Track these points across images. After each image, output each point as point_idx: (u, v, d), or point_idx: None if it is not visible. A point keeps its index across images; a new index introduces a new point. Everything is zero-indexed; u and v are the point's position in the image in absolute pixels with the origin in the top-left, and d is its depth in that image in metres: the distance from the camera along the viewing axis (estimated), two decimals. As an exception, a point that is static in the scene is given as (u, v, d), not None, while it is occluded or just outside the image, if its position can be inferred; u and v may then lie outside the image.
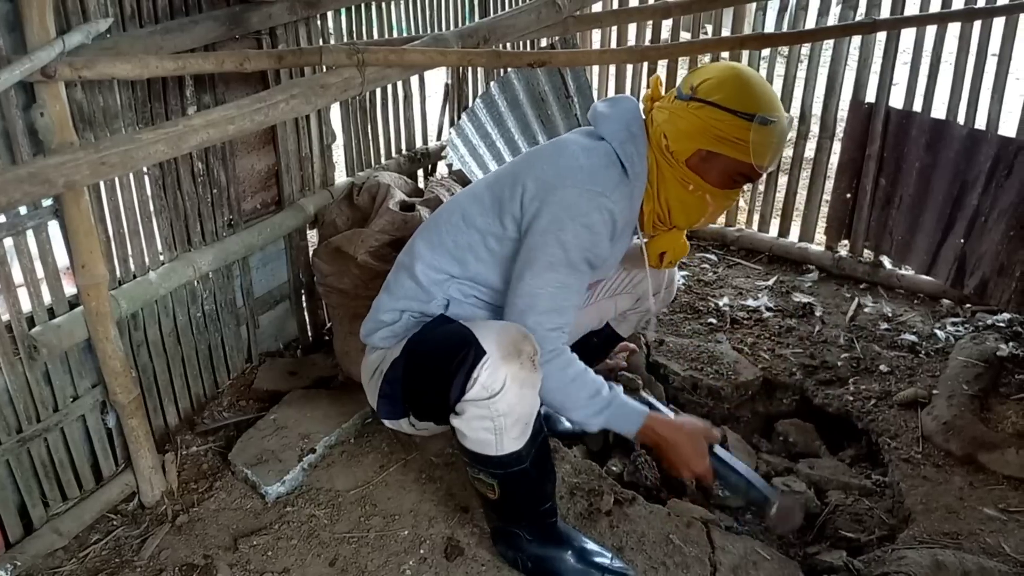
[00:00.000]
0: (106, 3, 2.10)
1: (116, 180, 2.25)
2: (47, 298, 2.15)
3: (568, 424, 2.63)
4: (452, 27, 3.45)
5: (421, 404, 2.07)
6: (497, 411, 1.88)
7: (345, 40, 2.97)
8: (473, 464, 2.02)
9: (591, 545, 2.16)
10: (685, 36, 4.18)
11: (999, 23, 3.08)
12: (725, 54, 3.73)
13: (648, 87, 2.12)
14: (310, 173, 2.95)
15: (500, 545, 2.19)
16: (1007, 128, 3.14)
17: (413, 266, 2.12)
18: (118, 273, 2.33)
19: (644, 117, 2.07)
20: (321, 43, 2.79)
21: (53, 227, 2.10)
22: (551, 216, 1.94)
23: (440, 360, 1.92)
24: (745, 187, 2.12)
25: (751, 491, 2.18)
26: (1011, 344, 3.02)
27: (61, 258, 2.13)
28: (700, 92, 1.93)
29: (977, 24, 3.13)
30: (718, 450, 2.20)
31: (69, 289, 2.20)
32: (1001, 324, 3.22)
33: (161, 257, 2.47)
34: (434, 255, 2.11)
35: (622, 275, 2.51)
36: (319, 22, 2.80)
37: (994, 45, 3.13)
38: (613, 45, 4.09)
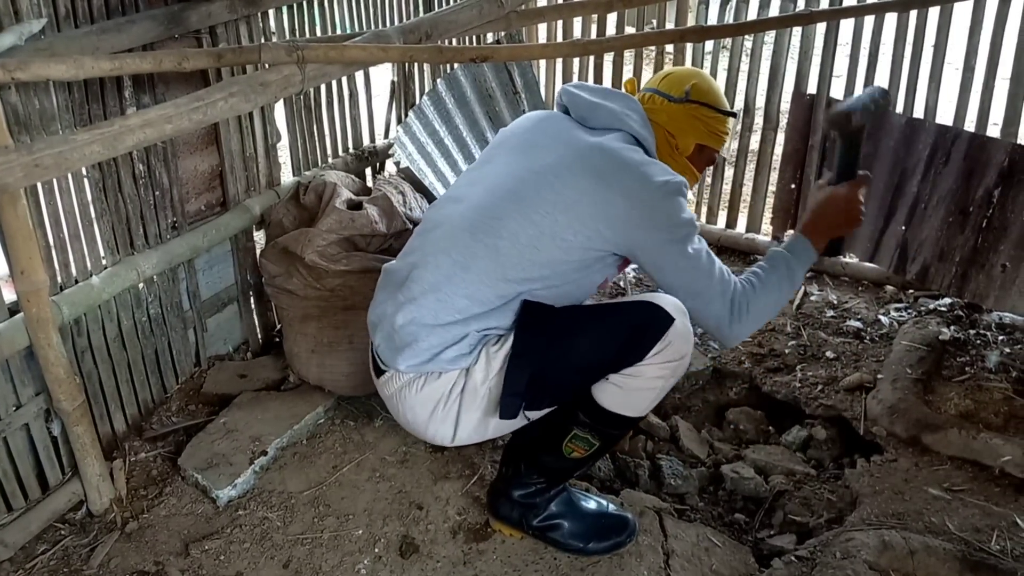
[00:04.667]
0: (39, 3, 2.06)
1: (55, 183, 2.21)
2: (-15, 305, 2.11)
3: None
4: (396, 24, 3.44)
5: (566, 387, 2.04)
6: (676, 372, 2.02)
7: (288, 38, 2.95)
8: (590, 424, 2.07)
9: (590, 498, 2.32)
10: (630, 31, 4.21)
11: (934, 13, 3.15)
12: (669, 48, 3.76)
13: (623, 88, 2.31)
14: (255, 173, 2.92)
15: (505, 506, 2.24)
16: (944, 116, 3.20)
17: (481, 294, 2.02)
18: (59, 278, 2.29)
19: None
20: (263, 42, 2.76)
21: (-10, 233, 2.06)
22: (660, 220, 2.00)
23: (613, 331, 1.98)
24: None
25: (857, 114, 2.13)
26: (952, 328, 3.09)
27: (-1, 264, 2.10)
28: (694, 95, 2.20)
29: (913, 14, 3.19)
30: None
31: (9, 296, 2.15)
32: (943, 308, 3.29)
33: (104, 261, 2.43)
34: (497, 278, 2.02)
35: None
36: (260, 21, 2.78)
37: (930, 35, 3.20)
38: (559, 40, 4.11)
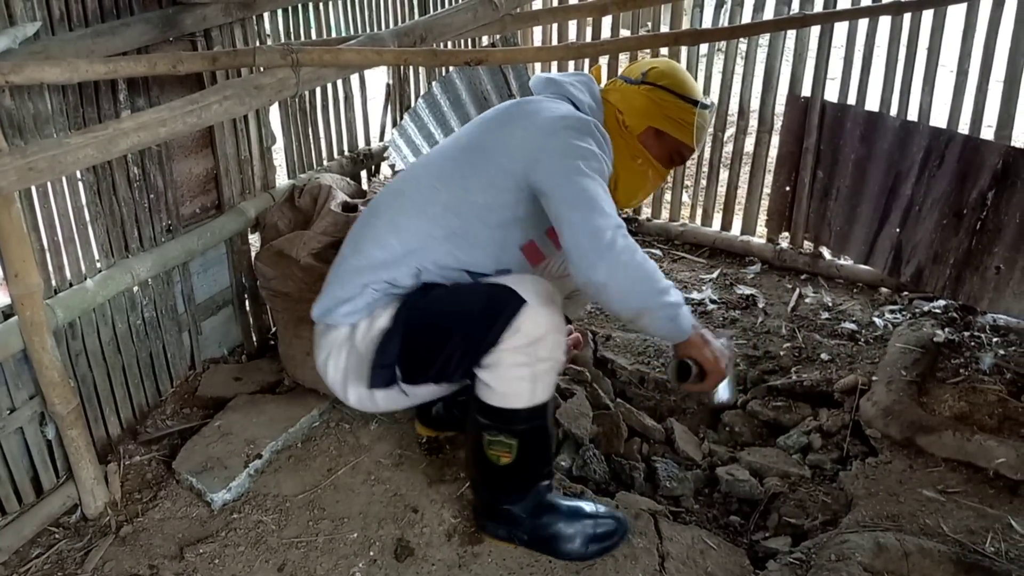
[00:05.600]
0: (33, 6, 2.05)
1: (49, 187, 2.21)
2: (-21, 309, 2.11)
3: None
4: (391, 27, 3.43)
5: (430, 365, 2.04)
6: (538, 356, 1.97)
7: (283, 41, 2.95)
8: (493, 425, 2.07)
9: (578, 503, 2.28)
10: (625, 34, 4.22)
11: (928, 16, 3.15)
12: (664, 50, 3.76)
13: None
14: (250, 176, 2.92)
15: (490, 523, 2.23)
16: (938, 119, 3.21)
17: (383, 238, 2.10)
18: (53, 282, 2.29)
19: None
20: (258, 44, 2.76)
21: (-17, 236, 2.05)
22: (562, 146, 2.01)
23: (469, 313, 1.98)
24: (670, 175, 2.34)
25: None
26: (947, 330, 3.09)
27: (-7, 268, 2.09)
28: (650, 77, 2.22)
29: (907, 17, 3.20)
30: None
31: (2, 299, 2.15)
32: (937, 310, 3.29)
33: (98, 264, 2.43)
34: (411, 222, 2.10)
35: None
36: (255, 24, 2.78)
37: (924, 38, 3.20)
38: (554, 43, 4.11)
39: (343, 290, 2.11)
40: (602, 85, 2.31)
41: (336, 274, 2.16)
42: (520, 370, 1.97)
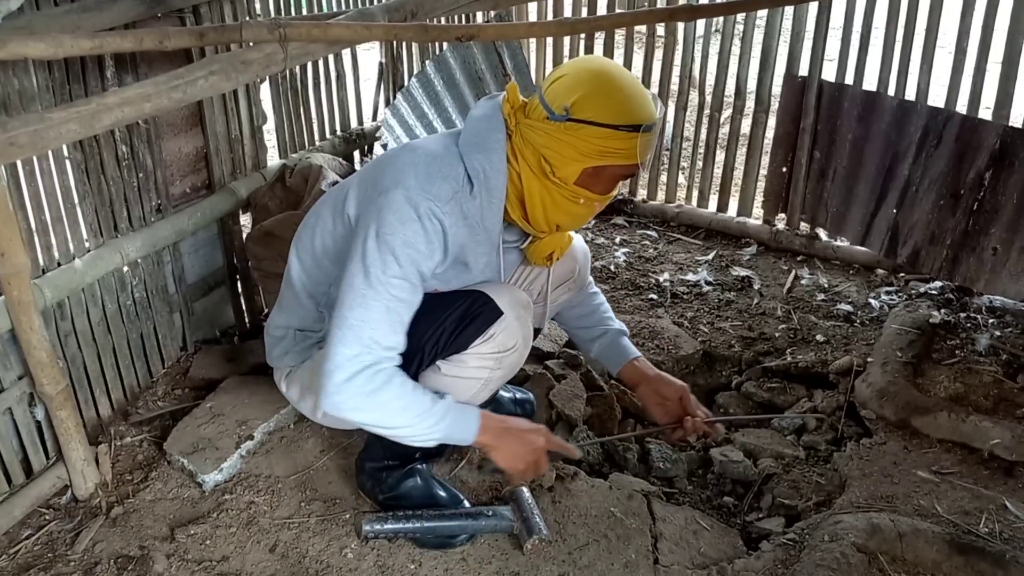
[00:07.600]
0: (18, -20, 2.02)
1: (36, 165, 2.18)
2: (-34, 289, 2.08)
3: (511, 407, 2.61)
4: (384, 5, 3.40)
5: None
6: (500, 365, 2.02)
7: (272, 18, 2.92)
8: None
9: (439, 490, 2.26)
10: (621, 10, 4.18)
11: (926, -6, 3.13)
12: (660, 28, 3.73)
13: (506, 93, 1.96)
14: (241, 155, 2.90)
15: (362, 477, 2.28)
16: (936, 98, 3.18)
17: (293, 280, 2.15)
18: (41, 261, 2.26)
19: (506, 125, 1.92)
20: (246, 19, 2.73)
21: (-32, 215, 2.02)
22: (380, 220, 1.82)
23: (443, 317, 1.97)
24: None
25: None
26: (943, 311, 3.08)
27: (-21, 247, 2.06)
28: (575, 112, 1.79)
29: (905, -4, 3.18)
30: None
31: (-11, 278, 2.13)
32: (933, 292, 3.28)
33: (87, 244, 2.41)
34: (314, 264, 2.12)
35: (516, 272, 2.32)
36: (244, 1, 2.74)
37: (922, 17, 3.17)
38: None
39: (274, 332, 2.24)
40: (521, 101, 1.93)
41: (273, 315, 2.26)
42: (480, 372, 2.02)
